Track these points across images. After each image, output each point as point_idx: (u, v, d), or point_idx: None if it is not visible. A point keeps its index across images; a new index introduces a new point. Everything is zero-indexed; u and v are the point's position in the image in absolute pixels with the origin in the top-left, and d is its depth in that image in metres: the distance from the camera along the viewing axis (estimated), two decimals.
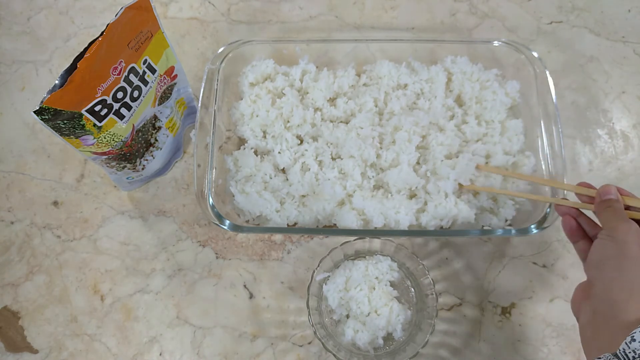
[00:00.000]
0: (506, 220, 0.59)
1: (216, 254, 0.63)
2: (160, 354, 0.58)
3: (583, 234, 0.48)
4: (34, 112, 0.43)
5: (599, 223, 0.46)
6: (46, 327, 0.60)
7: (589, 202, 0.48)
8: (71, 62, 0.45)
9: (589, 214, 0.48)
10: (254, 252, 0.62)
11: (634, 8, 0.75)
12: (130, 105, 0.53)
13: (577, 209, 0.49)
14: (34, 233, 0.64)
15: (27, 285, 0.61)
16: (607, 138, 0.68)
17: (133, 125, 0.55)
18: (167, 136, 0.63)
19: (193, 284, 0.61)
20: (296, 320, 0.59)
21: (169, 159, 0.66)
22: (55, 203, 0.66)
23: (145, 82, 0.54)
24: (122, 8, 0.47)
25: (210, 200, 0.57)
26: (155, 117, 0.60)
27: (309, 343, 0.58)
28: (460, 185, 0.58)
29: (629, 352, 0.34)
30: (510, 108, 0.65)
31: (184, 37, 0.75)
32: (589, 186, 0.48)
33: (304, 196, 0.61)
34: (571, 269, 0.60)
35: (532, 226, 0.55)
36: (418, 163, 0.61)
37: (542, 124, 0.59)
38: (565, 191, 0.55)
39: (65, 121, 0.46)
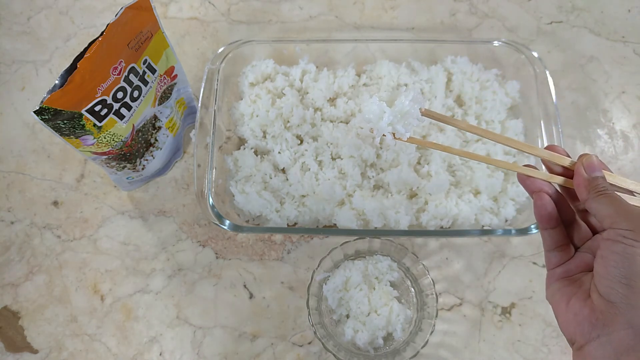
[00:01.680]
0: (506, 220, 0.59)
1: (216, 254, 0.63)
2: (160, 354, 0.58)
3: (559, 219, 0.37)
4: (34, 112, 0.43)
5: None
6: (46, 327, 0.60)
7: (562, 174, 0.38)
8: (71, 62, 0.45)
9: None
10: (254, 252, 0.62)
11: (634, 8, 0.75)
12: (130, 105, 0.53)
13: (550, 184, 0.38)
14: (34, 233, 0.64)
15: (27, 285, 0.61)
16: (607, 138, 0.68)
17: (133, 125, 0.55)
18: (167, 136, 0.63)
19: (193, 284, 0.61)
20: (296, 320, 0.59)
21: (169, 159, 0.66)
22: (55, 203, 0.66)
23: (145, 82, 0.54)
24: (122, 8, 0.47)
25: (210, 200, 0.57)
26: (155, 117, 0.60)
27: (309, 343, 0.58)
28: (393, 135, 0.44)
29: None
30: (510, 108, 0.65)
31: (184, 37, 0.75)
32: (561, 152, 0.38)
33: (303, 196, 0.61)
34: None
35: (532, 226, 0.55)
36: (419, 163, 0.61)
37: (542, 124, 0.59)
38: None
39: (65, 121, 0.46)
